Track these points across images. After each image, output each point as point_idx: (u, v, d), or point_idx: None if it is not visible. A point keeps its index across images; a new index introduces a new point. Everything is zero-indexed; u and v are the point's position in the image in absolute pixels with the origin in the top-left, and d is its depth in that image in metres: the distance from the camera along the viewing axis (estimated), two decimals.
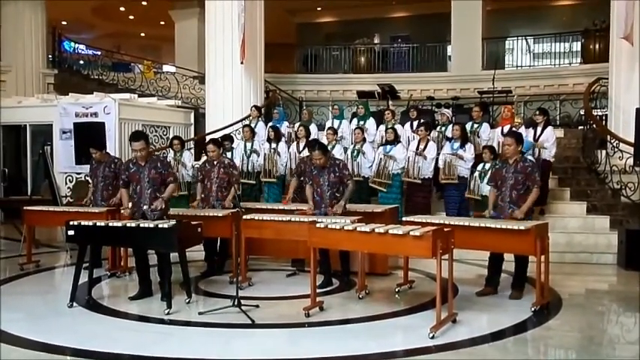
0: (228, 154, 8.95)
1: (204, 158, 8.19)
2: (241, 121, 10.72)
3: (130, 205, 6.33)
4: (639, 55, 9.76)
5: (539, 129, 8.85)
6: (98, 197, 7.77)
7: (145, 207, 6.22)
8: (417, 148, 8.79)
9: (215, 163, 7.40)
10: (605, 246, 8.44)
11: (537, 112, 9.14)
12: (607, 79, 10.71)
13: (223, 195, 7.35)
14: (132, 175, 6.31)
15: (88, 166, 8.16)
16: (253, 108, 10.50)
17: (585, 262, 8.22)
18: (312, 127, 10.07)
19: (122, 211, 6.73)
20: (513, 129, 8.89)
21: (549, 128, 8.89)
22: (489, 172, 7.05)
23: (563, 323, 5.50)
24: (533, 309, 5.71)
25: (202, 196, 7.45)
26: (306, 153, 9.09)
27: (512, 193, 6.21)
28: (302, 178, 7.62)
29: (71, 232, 5.93)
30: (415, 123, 9.70)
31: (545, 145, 8.72)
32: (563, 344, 5.05)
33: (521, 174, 6.19)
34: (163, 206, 6.21)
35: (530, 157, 8.08)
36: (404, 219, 6.66)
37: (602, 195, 9.60)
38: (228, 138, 9.68)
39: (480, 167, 8.21)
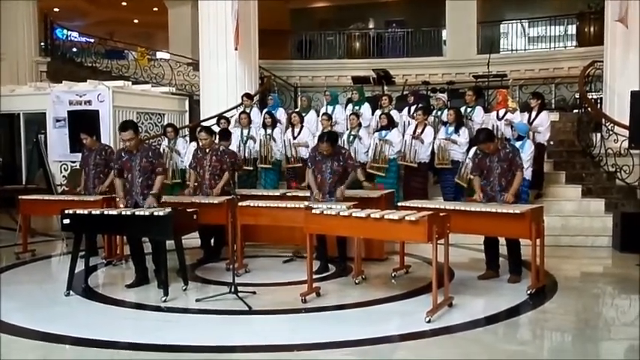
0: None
1: (193, 144, 8.17)
2: (236, 107, 10.67)
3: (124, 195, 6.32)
4: (637, 38, 9.73)
5: (533, 113, 8.86)
6: (90, 185, 7.76)
7: (136, 196, 6.22)
8: (415, 132, 8.80)
9: (207, 150, 7.38)
10: (600, 229, 8.48)
11: (532, 96, 9.18)
12: (602, 62, 10.69)
13: (216, 183, 7.33)
14: (124, 163, 6.30)
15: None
16: (245, 97, 10.42)
17: (581, 245, 8.26)
18: (312, 114, 9.99)
19: (118, 201, 6.73)
20: (508, 114, 8.93)
21: (544, 112, 8.90)
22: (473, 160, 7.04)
23: (559, 306, 5.53)
24: (528, 292, 5.74)
25: (195, 184, 7.44)
26: (301, 138, 9.13)
27: (501, 181, 6.27)
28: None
29: (66, 221, 5.93)
30: (413, 108, 9.69)
31: (539, 129, 8.74)
32: (559, 327, 5.08)
33: (505, 162, 6.26)
34: (156, 204, 6.20)
35: (528, 139, 8.11)
36: (400, 204, 6.68)
37: (597, 178, 9.62)
38: (224, 119, 9.68)
39: (471, 153, 8.21)
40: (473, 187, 7.93)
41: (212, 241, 7.63)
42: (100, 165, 7.74)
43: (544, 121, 8.82)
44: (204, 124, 10.21)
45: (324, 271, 6.76)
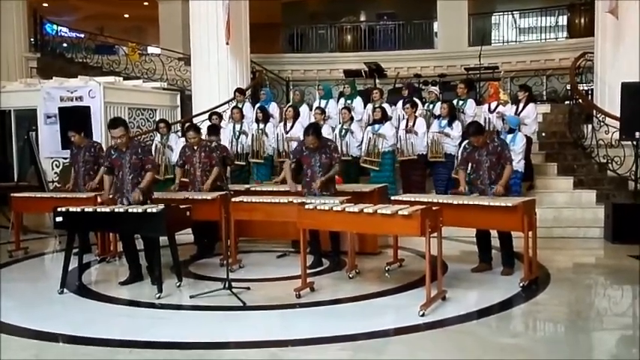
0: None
1: (184, 140, 8.16)
2: (228, 102, 10.64)
3: (112, 191, 6.31)
4: (628, 30, 9.76)
5: (521, 105, 8.90)
6: (80, 183, 7.74)
7: (127, 193, 6.20)
8: (407, 126, 8.80)
9: (196, 147, 7.36)
10: (591, 220, 8.53)
11: (519, 89, 9.26)
12: (593, 53, 10.72)
13: (208, 178, 7.31)
14: (114, 161, 6.26)
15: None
16: (237, 92, 10.38)
17: (573, 237, 8.30)
18: (304, 108, 9.98)
19: (99, 198, 6.77)
20: (500, 106, 8.96)
21: (531, 105, 8.94)
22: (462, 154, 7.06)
23: (552, 297, 5.56)
24: (521, 284, 5.77)
25: (181, 180, 7.43)
26: (294, 133, 9.11)
27: (490, 174, 6.28)
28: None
29: (59, 219, 5.90)
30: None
31: (526, 122, 8.77)
32: (552, 318, 5.11)
33: (494, 155, 6.27)
34: (141, 198, 6.11)
35: (519, 132, 8.14)
36: (393, 198, 6.69)
37: (589, 169, 9.67)
38: (217, 114, 9.66)
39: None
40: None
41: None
42: (89, 162, 7.71)
43: (531, 113, 8.87)
44: (197, 119, 10.21)
45: (318, 265, 6.77)
